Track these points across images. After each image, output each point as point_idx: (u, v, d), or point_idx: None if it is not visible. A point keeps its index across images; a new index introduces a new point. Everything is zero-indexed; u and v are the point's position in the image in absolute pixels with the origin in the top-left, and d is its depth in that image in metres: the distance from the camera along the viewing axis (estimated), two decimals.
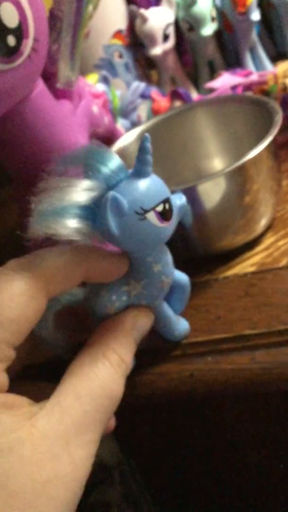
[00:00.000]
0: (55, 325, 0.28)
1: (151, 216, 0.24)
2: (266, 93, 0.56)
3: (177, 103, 0.54)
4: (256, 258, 0.37)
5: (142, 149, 0.24)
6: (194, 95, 0.66)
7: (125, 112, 0.55)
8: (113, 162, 0.24)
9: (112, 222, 0.24)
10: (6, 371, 0.23)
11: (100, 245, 0.26)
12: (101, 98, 0.43)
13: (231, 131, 0.44)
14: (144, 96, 0.57)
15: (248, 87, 0.59)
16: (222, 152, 0.46)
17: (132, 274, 0.28)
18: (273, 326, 0.31)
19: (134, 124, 0.55)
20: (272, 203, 0.38)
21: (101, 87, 0.52)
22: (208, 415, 0.36)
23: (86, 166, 0.24)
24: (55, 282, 0.24)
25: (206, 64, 0.66)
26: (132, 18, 0.64)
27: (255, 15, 0.61)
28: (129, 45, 0.64)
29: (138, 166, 0.25)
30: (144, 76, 0.68)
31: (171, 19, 0.61)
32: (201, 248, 0.38)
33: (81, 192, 0.23)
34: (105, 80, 0.54)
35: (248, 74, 0.61)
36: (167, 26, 0.61)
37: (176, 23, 0.63)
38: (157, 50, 0.61)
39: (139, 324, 0.28)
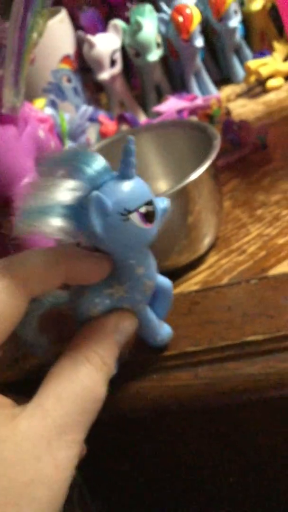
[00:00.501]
0: (40, 328, 0.28)
1: (135, 217, 0.25)
2: (210, 117, 0.58)
3: (124, 127, 0.56)
4: (200, 277, 0.38)
5: (126, 152, 0.25)
6: (142, 119, 0.67)
7: (74, 135, 0.56)
8: (98, 163, 0.24)
9: (96, 222, 0.24)
10: None
11: (85, 247, 0.26)
12: (47, 123, 0.44)
13: (175, 154, 0.46)
14: (92, 119, 0.58)
15: (193, 111, 0.61)
16: (166, 174, 0.47)
17: (115, 277, 0.27)
18: (214, 343, 0.32)
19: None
20: (214, 223, 0.40)
21: (49, 111, 0.53)
22: (157, 432, 0.37)
23: (71, 166, 0.24)
24: (35, 282, 0.24)
25: (153, 88, 0.68)
26: (79, 44, 0.65)
27: (199, 42, 0.64)
28: (77, 69, 0.65)
29: (122, 168, 0.25)
30: (93, 100, 0.69)
31: (118, 45, 0.63)
32: None
33: (65, 191, 0.24)
34: (53, 104, 0.55)
35: (193, 98, 0.63)
36: (114, 51, 0.62)
37: (124, 49, 0.65)
38: (104, 75, 0.63)
39: (122, 326, 0.27)
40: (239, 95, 0.68)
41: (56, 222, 0.23)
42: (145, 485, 0.40)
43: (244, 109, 0.63)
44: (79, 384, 0.24)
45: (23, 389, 0.25)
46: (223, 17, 0.65)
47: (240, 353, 0.31)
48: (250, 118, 0.60)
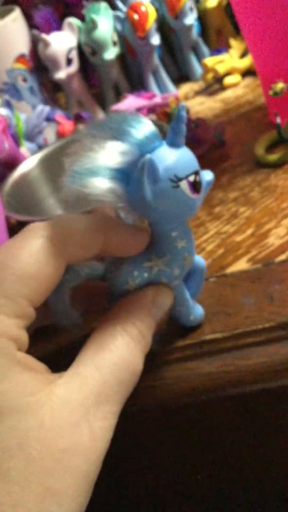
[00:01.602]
0: (72, 299, 0.27)
1: (184, 185, 0.24)
2: (169, 115, 0.58)
3: (81, 126, 0.55)
4: None
5: (177, 119, 0.25)
6: (101, 117, 0.67)
7: (31, 135, 0.55)
8: (147, 128, 0.24)
9: (147, 187, 0.24)
10: (27, 331, 0.23)
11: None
12: (1, 124, 0.43)
13: None
14: (49, 119, 0.57)
15: (152, 109, 0.61)
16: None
17: (155, 250, 0.27)
18: (175, 342, 0.32)
19: (40, 148, 0.55)
20: None
21: (3, 112, 0.52)
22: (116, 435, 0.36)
23: (120, 131, 0.24)
24: (73, 246, 0.24)
25: (111, 87, 0.68)
26: (34, 43, 0.64)
27: (155, 39, 0.63)
28: (33, 69, 0.64)
29: (172, 136, 0.25)
30: (51, 100, 0.68)
31: (73, 43, 0.62)
32: None
33: (114, 154, 0.23)
34: (7, 104, 0.54)
35: (152, 96, 0.63)
36: (70, 50, 0.62)
37: (80, 47, 0.64)
38: (60, 74, 0.62)
39: (159, 301, 0.27)
40: (197, 93, 0.68)
41: (105, 183, 0.23)
42: (104, 487, 0.40)
43: (202, 106, 0.64)
44: (117, 355, 0.23)
45: (52, 364, 0.24)
46: (179, 15, 0.65)
47: (199, 351, 0.31)
48: (208, 116, 0.60)
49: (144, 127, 0.24)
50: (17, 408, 0.20)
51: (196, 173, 0.25)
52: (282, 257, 0.35)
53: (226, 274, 0.35)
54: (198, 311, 0.31)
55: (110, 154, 0.23)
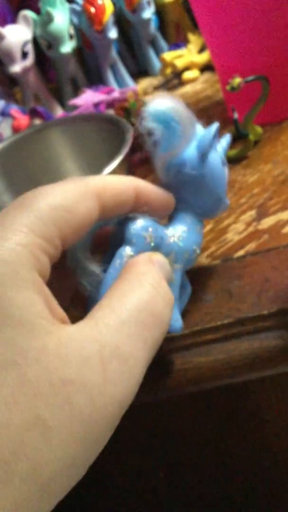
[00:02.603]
0: (90, 256, 0.26)
1: (226, 171, 0.29)
2: (127, 110, 0.57)
3: (37, 121, 0.54)
4: None
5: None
6: (59, 112, 0.66)
7: None
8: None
9: (208, 147, 0.27)
10: (49, 264, 0.21)
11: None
12: None
13: (89, 148, 0.45)
14: (4, 114, 0.55)
15: (110, 104, 0.60)
16: (82, 169, 0.46)
17: (175, 224, 0.28)
18: None
19: None
20: None
21: None
22: None
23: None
24: (107, 194, 0.24)
25: (68, 81, 0.67)
26: None
27: (113, 33, 0.63)
28: None
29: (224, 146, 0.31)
30: (7, 94, 0.67)
31: (29, 36, 0.61)
32: None
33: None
34: None
35: (110, 91, 0.62)
36: (25, 43, 0.60)
37: (37, 41, 0.63)
38: (16, 68, 0.61)
39: (160, 261, 0.25)
40: (156, 88, 0.67)
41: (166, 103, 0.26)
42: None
43: None
44: (135, 296, 0.21)
45: None
46: (136, 8, 0.64)
47: (158, 350, 0.30)
48: None
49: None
50: (21, 321, 0.18)
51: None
52: (240, 252, 0.35)
53: (186, 270, 0.35)
54: (178, 321, 0.29)
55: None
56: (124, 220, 0.27)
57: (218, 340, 0.30)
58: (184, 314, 0.32)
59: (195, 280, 0.33)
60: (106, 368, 0.19)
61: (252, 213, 0.38)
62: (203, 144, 0.27)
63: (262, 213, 0.38)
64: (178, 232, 0.28)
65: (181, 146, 0.27)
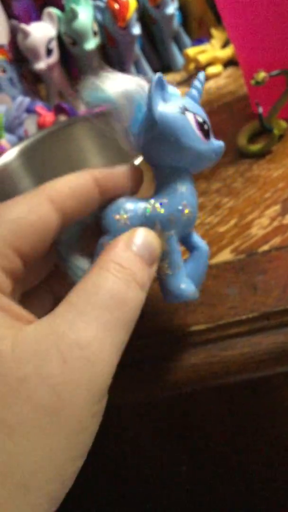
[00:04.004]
0: (82, 250, 0.26)
1: (191, 117, 0.25)
2: None
3: (62, 118, 0.55)
4: None
5: (199, 81, 0.27)
6: (82, 109, 0.66)
7: (11, 127, 0.55)
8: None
9: (156, 100, 0.25)
10: (12, 278, 0.22)
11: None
12: None
13: (114, 144, 0.45)
14: (29, 110, 0.56)
15: None
16: (106, 165, 0.46)
17: (158, 191, 0.27)
18: (157, 335, 0.31)
19: (21, 139, 0.54)
20: None
21: None
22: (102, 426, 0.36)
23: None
24: (63, 195, 0.24)
25: None
26: (14, 33, 0.63)
27: (136, 29, 0.63)
28: (12, 60, 0.63)
29: (192, 92, 0.27)
30: (32, 91, 0.67)
31: (53, 33, 0.61)
32: None
33: (130, 81, 0.25)
34: None
35: None
36: (50, 40, 0.61)
37: (60, 37, 0.64)
38: (41, 65, 0.61)
39: (140, 236, 0.24)
40: (179, 83, 0.67)
41: (121, 86, 0.25)
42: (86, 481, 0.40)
43: None
44: (92, 287, 0.21)
45: None
46: (160, 4, 0.64)
47: (183, 343, 0.31)
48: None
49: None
50: None
51: (205, 122, 0.26)
52: (265, 247, 0.35)
53: (210, 265, 0.35)
54: (191, 286, 0.28)
55: (126, 80, 0.25)
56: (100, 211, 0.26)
57: (243, 334, 0.30)
58: (209, 308, 0.32)
59: (220, 275, 0.33)
60: (65, 357, 0.18)
61: (276, 207, 0.38)
62: (144, 101, 0.26)
63: (287, 208, 0.38)
64: (158, 200, 0.26)
65: (127, 117, 0.26)
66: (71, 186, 0.24)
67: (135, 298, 0.22)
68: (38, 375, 0.18)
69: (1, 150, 0.47)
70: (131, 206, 0.26)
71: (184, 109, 0.25)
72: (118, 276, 0.22)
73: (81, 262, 0.27)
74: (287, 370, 0.29)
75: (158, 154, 0.26)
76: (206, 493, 0.41)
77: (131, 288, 0.22)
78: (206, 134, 0.26)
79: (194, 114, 0.25)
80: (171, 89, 0.26)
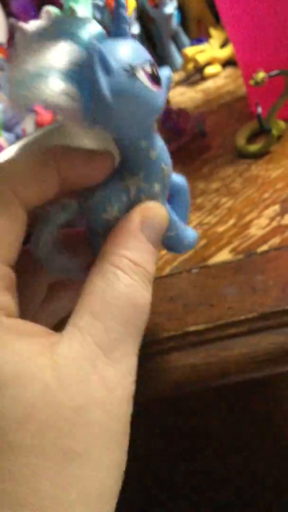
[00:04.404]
0: (57, 247, 0.24)
1: (142, 76, 0.21)
2: None
3: (60, 117, 0.54)
4: None
5: (117, 4, 0.22)
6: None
7: (9, 125, 0.54)
8: (95, 29, 0.22)
9: (101, 79, 0.21)
10: (11, 294, 0.21)
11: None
12: None
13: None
14: (27, 109, 0.56)
15: None
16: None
17: (127, 167, 0.24)
18: (157, 335, 0.31)
19: (19, 138, 0.54)
20: None
21: None
22: None
23: (66, 31, 0.21)
24: (27, 186, 0.21)
25: None
26: (12, 31, 0.63)
27: (134, 29, 0.63)
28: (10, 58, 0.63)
29: (115, 25, 0.22)
30: None
31: None
32: None
33: (63, 55, 0.21)
34: None
35: None
36: None
37: None
38: None
39: (149, 218, 0.23)
40: (178, 83, 0.67)
41: (57, 85, 0.20)
42: None
43: (183, 97, 0.63)
44: (112, 294, 0.21)
45: None
46: (158, 4, 0.64)
47: (182, 343, 0.31)
48: (189, 106, 0.60)
49: (89, 27, 0.22)
50: (17, 377, 0.19)
51: (152, 64, 0.22)
52: (264, 247, 0.35)
53: (209, 265, 0.35)
54: (191, 233, 0.28)
55: (58, 55, 0.21)
56: (80, 205, 0.24)
57: (242, 334, 0.30)
58: (207, 308, 0.32)
59: (219, 275, 0.33)
60: (104, 378, 0.20)
61: (275, 208, 0.38)
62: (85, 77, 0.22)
63: (286, 208, 0.38)
64: (136, 175, 0.24)
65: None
66: (33, 175, 0.22)
67: (148, 298, 0.22)
68: (88, 402, 0.19)
69: None
70: (113, 196, 0.24)
71: (132, 69, 0.21)
72: (134, 279, 0.22)
73: (60, 259, 0.25)
74: (286, 371, 0.29)
75: (119, 127, 0.23)
76: (205, 494, 0.41)
77: (145, 290, 0.22)
78: (157, 80, 0.22)
79: (142, 67, 0.22)
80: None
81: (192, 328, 0.31)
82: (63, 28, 0.21)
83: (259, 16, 0.44)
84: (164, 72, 0.24)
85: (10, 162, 0.22)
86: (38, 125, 0.54)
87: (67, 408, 0.19)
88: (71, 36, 0.21)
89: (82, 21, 0.22)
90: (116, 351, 0.20)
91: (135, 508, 0.41)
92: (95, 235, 0.25)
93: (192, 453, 0.36)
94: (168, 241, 0.27)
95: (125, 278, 0.21)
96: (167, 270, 0.36)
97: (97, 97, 0.21)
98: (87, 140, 0.24)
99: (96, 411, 0.19)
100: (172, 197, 0.27)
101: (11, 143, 0.51)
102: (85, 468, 0.18)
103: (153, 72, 0.22)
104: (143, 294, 0.22)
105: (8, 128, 0.53)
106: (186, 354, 0.30)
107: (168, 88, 0.24)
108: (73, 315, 0.21)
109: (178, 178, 0.28)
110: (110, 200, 0.24)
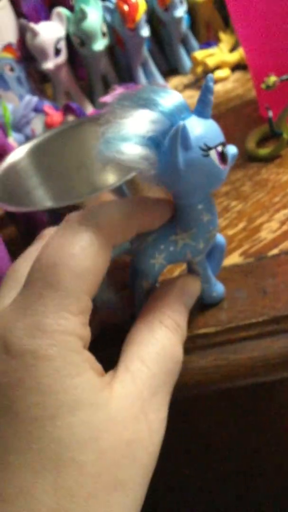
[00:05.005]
0: (105, 280, 0.27)
1: (213, 155, 0.25)
2: None
3: (70, 118, 0.54)
4: None
5: (205, 90, 0.25)
6: (89, 109, 0.66)
7: (18, 126, 0.54)
8: (177, 99, 0.24)
9: (180, 153, 0.24)
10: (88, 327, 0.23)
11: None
12: None
13: None
14: (37, 110, 0.56)
15: None
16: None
17: (180, 223, 0.27)
18: None
19: (28, 138, 0.54)
20: None
21: None
22: None
23: (149, 101, 0.24)
24: (116, 233, 0.24)
25: (99, 78, 0.67)
26: (22, 32, 0.63)
27: (145, 31, 0.63)
28: (20, 58, 0.63)
29: (200, 107, 0.25)
30: (38, 90, 0.67)
31: (62, 33, 0.61)
32: None
33: (146, 122, 0.24)
34: None
35: None
36: (58, 40, 0.61)
37: (69, 38, 0.63)
38: (49, 64, 0.61)
39: (189, 289, 0.28)
40: (187, 86, 0.67)
41: (138, 150, 0.23)
42: None
43: (191, 100, 0.63)
44: (159, 346, 0.24)
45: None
46: (169, 7, 0.64)
47: (192, 346, 0.30)
48: None
49: (173, 98, 0.24)
50: (90, 401, 0.21)
51: (223, 144, 0.25)
52: (274, 251, 0.35)
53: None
54: (219, 288, 0.32)
55: (141, 122, 0.24)
56: (132, 246, 0.28)
57: (252, 337, 0.30)
58: (218, 311, 0.32)
59: (229, 278, 0.33)
60: (149, 420, 0.22)
61: (286, 211, 0.38)
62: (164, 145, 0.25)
63: None
64: (186, 231, 0.27)
65: None
66: (122, 224, 0.25)
67: (182, 359, 0.26)
68: (137, 439, 0.21)
69: (8, 149, 0.47)
70: (163, 246, 0.27)
71: (207, 149, 0.24)
72: (176, 337, 0.25)
73: (105, 293, 0.28)
74: None
75: (184, 192, 0.27)
76: (211, 498, 0.40)
77: (181, 348, 0.26)
78: (225, 159, 0.26)
79: (215, 147, 0.25)
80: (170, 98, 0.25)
81: (202, 331, 0.31)
82: (145, 96, 0.24)
83: (270, 20, 0.44)
84: (231, 150, 0.27)
85: (107, 210, 0.25)
86: (47, 126, 0.54)
87: (123, 440, 0.21)
88: (154, 104, 0.24)
89: (164, 90, 0.25)
90: (158, 397, 0.23)
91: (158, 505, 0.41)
92: (137, 274, 0.28)
93: (201, 456, 0.36)
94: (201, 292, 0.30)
95: (170, 335, 0.25)
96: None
97: (171, 165, 0.24)
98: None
99: (141, 449, 0.21)
100: (210, 252, 0.31)
101: (20, 143, 0.51)
102: (127, 497, 0.21)
103: (223, 152, 0.25)
104: (181, 352, 0.25)
105: (17, 128, 0.54)
106: (196, 357, 0.30)
107: (232, 163, 0.27)
108: (124, 358, 0.24)
109: (219, 238, 0.31)
110: (159, 249, 0.27)
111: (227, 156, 0.26)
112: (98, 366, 0.23)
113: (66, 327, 0.22)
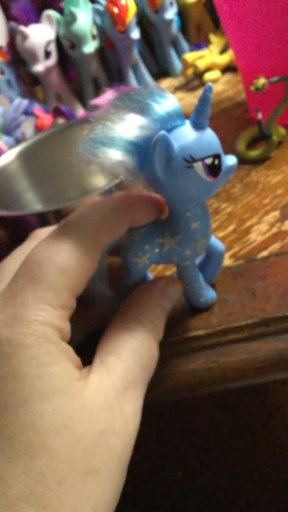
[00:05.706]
0: (102, 281, 0.28)
1: (199, 167, 0.24)
2: None
3: (60, 120, 0.54)
4: None
5: (202, 100, 0.24)
6: (80, 112, 0.66)
7: (8, 129, 0.54)
8: (170, 104, 0.24)
9: (158, 163, 0.23)
10: (69, 323, 0.24)
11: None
12: None
13: None
14: (27, 113, 0.56)
15: None
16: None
17: (168, 227, 0.27)
18: None
19: (18, 141, 0.54)
20: None
21: None
22: None
23: (143, 104, 0.23)
24: (106, 231, 0.25)
25: (90, 81, 0.67)
26: (12, 35, 0.63)
27: (135, 34, 0.63)
28: (10, 61, 0.63)
29: (195, 117, 0.24)
30: (29, 93, 0.67)
31: (52, 36, 0.61)
32: None
33: (132, 127, 0.23)
34: None
35: None
36: (48, 43, 0.61)
37: (59, 40, 0.63)
38: (39, 67, 0.61)
39: (168, 292, 0.28)
40: (177, 88, 0.68)
41: (117, 156, 0.23)
42: None
43: (182, 102, 0.63)
44: (134, 342, 0.25)
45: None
46: (159, 9, 0.64)
47: (182, 349, 0.30)
48: (188, 112, 0.59)
49: (168, 103, 0.24)
50: (64, 390, 0.21)
51: (216, 156, 0.24)
52: (264, 253, 0.35)
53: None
54: (209, 294, 0.31)
55: (128, 126, 0.23)
56: (123, 244, 0.28)
57: (242, 340, 0.30)
58: (208, 313, 0.32)
59: (219, 280, 0.33)
60: (123, 411, 0.23)
61: (275, 213, 0.38)
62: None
63: (286, 214, 0.38)
64: (172, 236, 0.27)
65: None
66: (113, 223, 0.25)
67: (157, 357, 0.26)
68: (111, 428, 0.22)
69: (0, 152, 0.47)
70: (147, 247, 0.27)
71: (192, 161, 0.24)
72: (152, 335, 0.26)
73: (102, 290, 0.28)
74: (286, 377, 0.29)
75: (169, 199, 0.27)
76: (202, 500, 0.40)
77: (157, 346, 0.26)
78: (216, 172, 0.25)
79: (203, 159, 0.24)
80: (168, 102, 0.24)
81: (192, 334, 0.31)
82: (145, 100, 0.24)
83: (260, 22, 0.44)
84: (230, 161, 0.26)
85: (91, 212, 0.25)
86: (38, 129, 0.54)
87: (96, 429, 0.21)
88: (149, 109, 0.23)
89: (160, 94, 0.24)
90: (133, 390, 0.24)
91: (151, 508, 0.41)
92: (124, 272, 0.29)
93: (191, 458, 0.36)
94: (188, 294, 0.31)
95: (146, 333, 0.26)
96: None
97: (153, 175, 0.24)
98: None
99: (114, 438, 0.22)
100: (207, 257, 0.31)
101: (10, 146, 0.51)
102: (100, 484, 0.21)
103: (213, 164, 0.24)
104: (156, 351, 0.26)
105: (7, 131, 0.53)
106: (186, 360, 0.30)
107: (228, 175, 0.26)
108: (100, 352, 0.25)
109: (219, 245, 0.31)
110: (144, 249, 0.27)
111: (220, 168, 0.25)
112: (76, 359, 0.23)
113: (44, 317, 0.22)
